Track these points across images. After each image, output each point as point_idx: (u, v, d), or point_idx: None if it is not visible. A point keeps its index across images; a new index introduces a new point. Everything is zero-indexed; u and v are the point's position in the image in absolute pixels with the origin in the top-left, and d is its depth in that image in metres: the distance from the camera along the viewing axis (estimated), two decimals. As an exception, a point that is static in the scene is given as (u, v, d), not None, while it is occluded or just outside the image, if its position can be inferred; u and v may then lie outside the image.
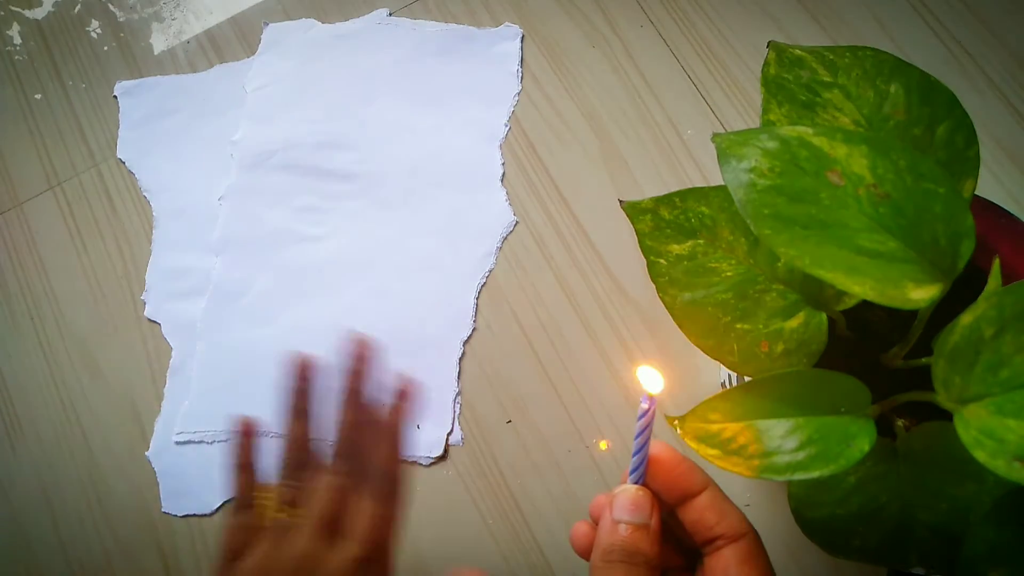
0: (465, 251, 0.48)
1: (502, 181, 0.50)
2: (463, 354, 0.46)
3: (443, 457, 0.44)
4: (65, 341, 0.48)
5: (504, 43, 0.52)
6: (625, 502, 0.24)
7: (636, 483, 0.25)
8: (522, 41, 0.52)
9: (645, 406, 0.25)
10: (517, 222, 0.49)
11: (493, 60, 0.52)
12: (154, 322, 0.48)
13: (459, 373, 0.45)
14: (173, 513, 0.43)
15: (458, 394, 0.45)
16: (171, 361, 0.47)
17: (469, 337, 0.46)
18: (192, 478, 0.45)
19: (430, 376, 0.45)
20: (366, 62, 0.53)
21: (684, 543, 0.26)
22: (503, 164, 0.50)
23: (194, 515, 0.43)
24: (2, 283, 0.50)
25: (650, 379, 0.25)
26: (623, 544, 0.24)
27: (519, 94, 0.52)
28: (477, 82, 0.52)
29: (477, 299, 0.47)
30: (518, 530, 0.43)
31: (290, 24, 0.54)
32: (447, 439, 0.44)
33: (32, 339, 0.48)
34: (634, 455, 0.25)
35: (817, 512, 0.27)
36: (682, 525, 0.25)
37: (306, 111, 0.52)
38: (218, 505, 0.43)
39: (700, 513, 0.24)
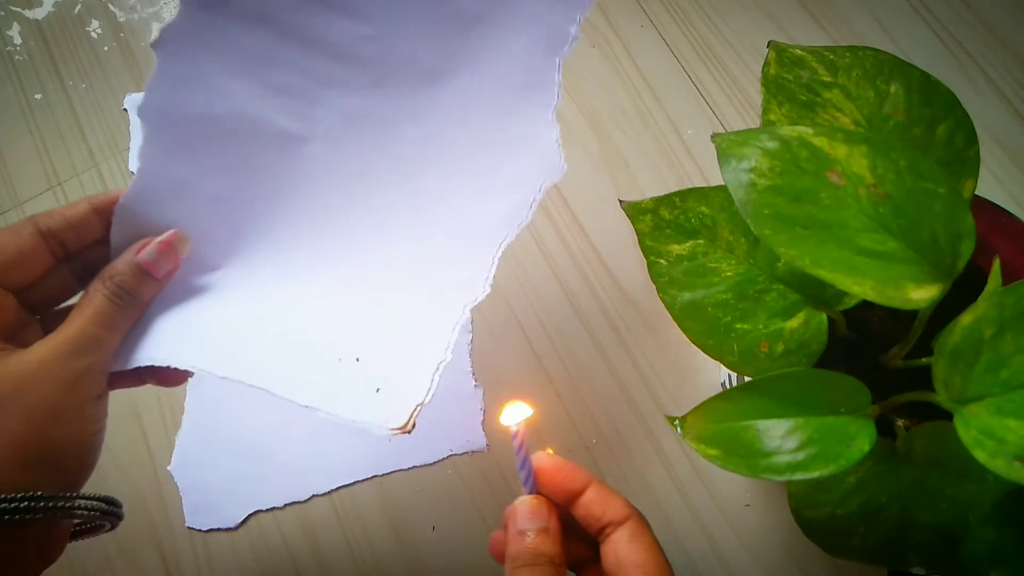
0: (495, 194, 0.33)
1: (555, 114, 0.33)
2: (471, 320, 0.36)
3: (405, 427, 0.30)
4: (65, 341, 0.48)
5: None
6: (524, 512, 0.27)
7: (530, 492, 0.28)
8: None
9: (514, 430, 0.28)
10: (567, 169, 0.33)
11: None
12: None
13: (470, 344, 0.37)
14: (198, 528, 0.43)
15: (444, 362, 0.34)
16: (191, 378, 0.46)
17: (479, 303, 0.32)
18: (215, 492, 0.44)
19: (410, 341, 0.32)
20: None
21: (586, 536, 0.28)
22: (559, 89, 0.33)
23: (219, 529, 0.43)
24: (2, 283, 0.50)
25: (511, 415, 0.29)
26: (528, 550, 0.26)
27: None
28: None
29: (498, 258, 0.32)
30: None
31: None
32: (414, 411, 0.29)
33: (32, 339, 0.48)
34: (520, 471, 0.28)
35: (817, 512, 0.27)
36: (577, 521, 0.28)
37: None
38: (243, 519, 0.43)
39: (588, 508, 0.27)
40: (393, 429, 0.28)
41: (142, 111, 0.31)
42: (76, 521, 0.28)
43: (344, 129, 0.34)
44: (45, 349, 0.26)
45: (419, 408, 0.29)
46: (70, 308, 0.29)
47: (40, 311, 0.30)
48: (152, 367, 0.29)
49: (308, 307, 0.32)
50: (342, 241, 0.34)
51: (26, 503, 0.24)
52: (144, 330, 0.30)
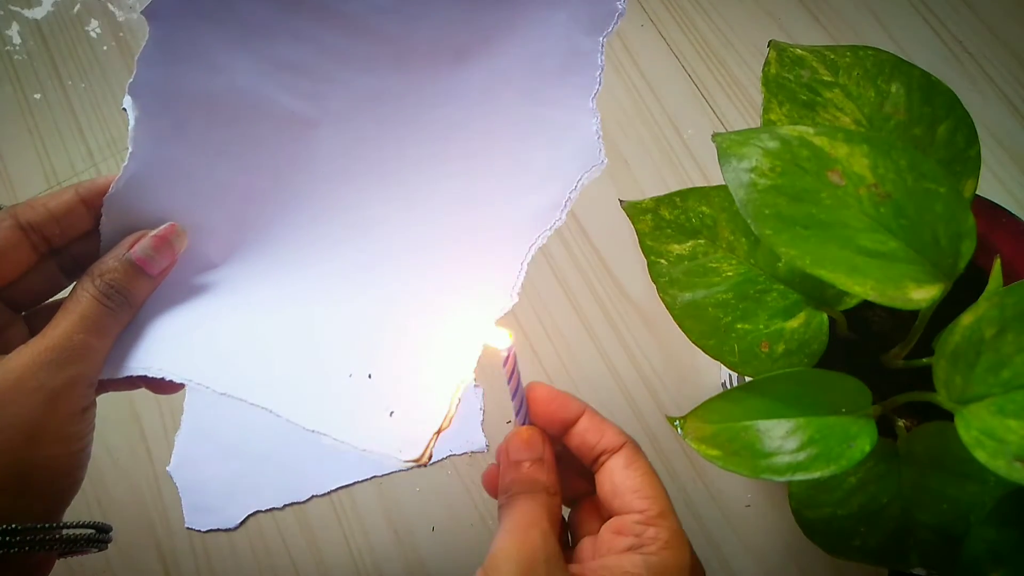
0: (527, 190, 0.29)
1: (595, 101, 0.29)
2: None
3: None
4: (65, 341, 0.48)
5: None
6: (518, 443, 0.27)
7: (523, 423, 0.27)
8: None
9: (504, 354, 0.26)
10: (605, 163, 0.29)
11: None
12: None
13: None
14: (197, 529, 0.43)
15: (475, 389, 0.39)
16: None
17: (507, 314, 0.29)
18: (215, 493, 0.43)
19: (431, 359, 0.28)
20: None
21: (580, 466, 0.28)
22: (601, 73, 0.29)
23: (218, 530, 0.43)
24: (2, 283, 0.50)
25: (498, 338, 0.27)
26: (522, 479, 0.26)
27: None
28: None
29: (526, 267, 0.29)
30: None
31: None
32: (430, 441, 0.25)
33: (32, 339, 0.48)
34: (513, 399, 0.27)
35: (818, 512, 0.27)
36: (571, 452, 0.28)
37: None
38: (242, 519, 0.43)
39: (582, 437, 0.27)
40: (408, 461, 0.25)
41: (133, 88, 0.27)
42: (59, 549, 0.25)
43: (359, 113, 0.29)
44: (24, 359, 0.23)
45: (436, 438, 0.25)
46: (59, 303, 0.27)
47: (24, 308, 0.28)
48: (140, 376, 0.26)
49: (316, 315, 0.29)
50: (354, 241, 0.30)
51: (2, 536, 0.22)
52: (138, 333, 0.27)
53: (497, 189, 0.30)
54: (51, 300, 0.29)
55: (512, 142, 0.30)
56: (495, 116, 0.30)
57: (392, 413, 0.26)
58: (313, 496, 0.43)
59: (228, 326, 0.28)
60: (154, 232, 0.27)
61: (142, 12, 0.27)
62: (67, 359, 0.24)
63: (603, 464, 0.27)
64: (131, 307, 0.27)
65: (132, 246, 0.27)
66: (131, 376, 0.26)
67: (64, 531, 0.24)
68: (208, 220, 0.29)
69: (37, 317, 0.28)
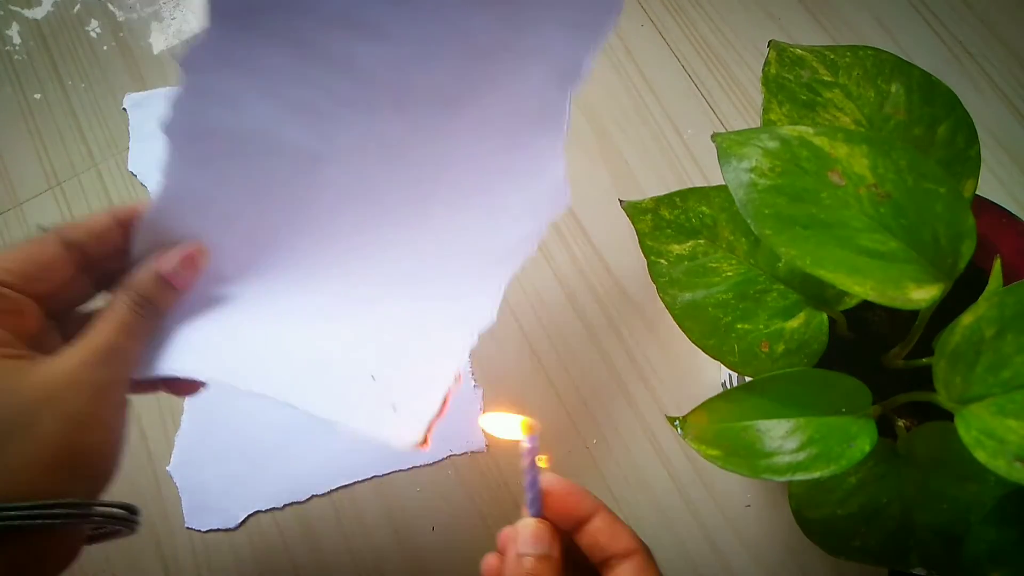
0: (505, 226, 0.34)
1: (585, 115, 0.35)
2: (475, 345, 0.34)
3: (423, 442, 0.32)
4: (65, 341, 0.48)
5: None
6: (527, 536, 0.26)
7: (535, 516, 0.27)
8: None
9: (527, 445, 0.27)
10: (570, 204, 0.34)
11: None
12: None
13: (470, 370, 0.39)
14: (197, 529, 0.43)
15: (465, 384, 0.39)
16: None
17: (488, 330, 0.34)
18: (215, 493, 0.43)
19: (422, 363, 0.33)
20: None
21: (587, 566, 0.27)
22: (568, 121, 0.33)
23: (218, 530, 0.43)
24: (2, 283, 0.50)
25: (523, 431, 0.27)
26: (527, 575, 0.25)
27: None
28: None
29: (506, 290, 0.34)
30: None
31: None
32: (428, 427, 0.31)
33: (32, 339, 0.48)
34: (527, 491, 0.27)
35: (818, 512, 0.27)
36: (580, 549, 0.27)
37: None
38: (242, 519, 0.43)
39: (594, 536, 0.26)
40: (412, 445, 0.31)
41: (168, 126, 0.31)
42: (92, 527, 0.28)
43: (362, 150, 0.33)
44: (74, 358, 0.27)
45: (433, 423, 0.31)
46: (83, 314, 0.31)
47: (58, 315, 0.31)
48: (167, 377, 0.30)
49: (324, 325, 0.33)
50: (357, 261, 0.35)
51: (53, 509, 0.25)
52: (164, 339, 0.31)
53: (481, 222, 0.35)
54: (78, 309, 0.32)
55: (494, 181, 0.34)
56: (480, 157, 0.34)
57: (395, 408, 0.32)
58: (313, 496, 0.43)
59: (247, 332, 0.32)
60: (180, 250, 0.31)
61: (180, 63, 0.30)
62: (109, 359, 0.27)
63: (612, 569, 0.26)
64: (159, 315, 0.31)
65: (160, 262, 0.31)
66: (158, 377, 0.30)
67: (102, 508, 0.27)
68: (229, 241, 0.33)
69: (66, 324, 0.31)
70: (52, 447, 0.25)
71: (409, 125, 0.33)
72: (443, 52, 0.33)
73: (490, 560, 0.28)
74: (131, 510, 0.29)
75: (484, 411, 0.45)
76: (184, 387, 0.32)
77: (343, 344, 0.33)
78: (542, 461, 0.28)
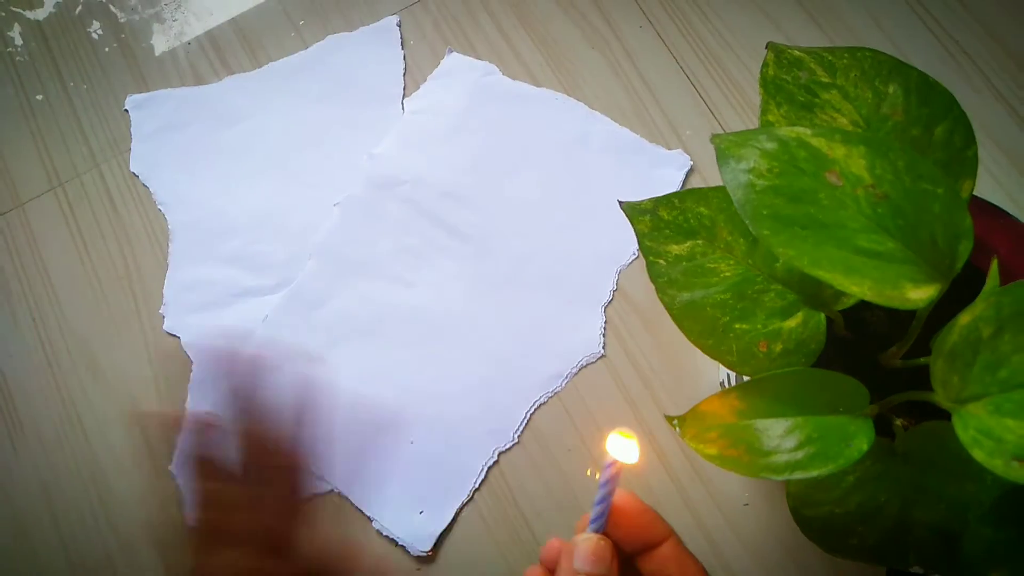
0: (538, 362, 0.45)
1: (604, 309, 0.46)
2: (494, 463, 0.44)
3: (432, 554, 0.42)
4: (67, 341, 0.48)
5: (669, 168, 0.49)
6: (587, 552, 0.24)
7: (597, 531, 0.25)
8: (688, 173, 0.49)
9: (610, 459, 0.25)
10: (603, 355, 0.45)
11: (652, 181, 0.49)
12: (173, 336, 0.48)
13: (481, 482, 0.43)
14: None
15: (468, 501, 0.43)
16: (192, 375, 0.46)
17: (507, 449, 0.44)
18: None
19: (450, 466, 0.43)
20: (528, 130, 0.50)
21: None
22: (613, 292, 0.47)
23: None
24: (4, 284, 0.50)
25: (622, 449, 0.25)
26: None
27: None
28: (627, 196, 0.47)
29: (530, 415, 0.44)
30: (518, 530, 0.43)
31: (472, 61, 0.52)
32: (436, 540, 0.42)
33: (34, 339, 0.48)
34: (596, 504, 0.25)
35: (816, 511, 0.27)
36: (639, 573, 0.25)
37: (452, 155, 0.50)
38: None
39: (661, 563, 0.25)
40: (423, 552, 0.42)
41: (316, 247, 0.48)
42: None
43: (441, 283, 0.47)
44: None
45: (443, 536, 0.42)
46: None
47: None
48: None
49: (389, 424, 0.44)
50: (418, 370, 0.46)
51: None
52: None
53: (521, 352, 0.46)
54: None
55: (542, 325, 0.46)
56: (535, 301, 0.47)
57: (422, 512, 0.42)
58: (315, 496, 0.44)
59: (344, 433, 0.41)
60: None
61: (334, 204, 0.50)
62: None
63: None
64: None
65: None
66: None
67: None
68: (340, 345, 0.47)
69: None
70: None
71: (478, 277, 0.47)
72: (517, 232, 0.48)
73: (534, 573, 0.26)
74: None
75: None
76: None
77: (402, 434, 0.44)
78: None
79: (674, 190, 0.48)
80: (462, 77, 0.52)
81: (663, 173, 0.49)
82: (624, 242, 0.47)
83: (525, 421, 0.44)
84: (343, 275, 0.47)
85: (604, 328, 0.46)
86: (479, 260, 0.47)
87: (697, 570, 0.25)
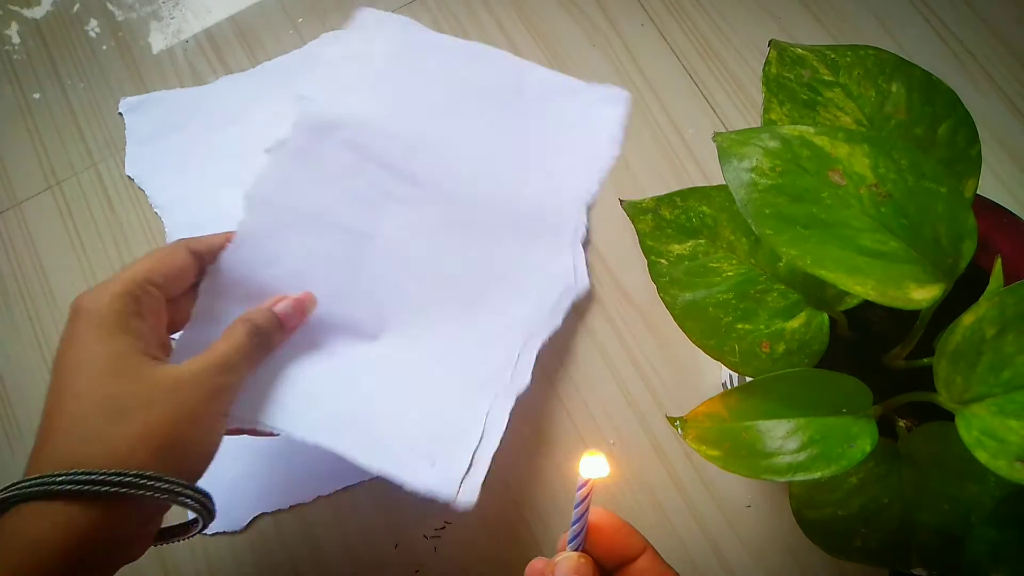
0: (517, 303, 0.43)
1: (585, 245, 0.46)
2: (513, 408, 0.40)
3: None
4: (64, 341, 0.48)
5: (608, 106, 0.48)
6: (567, 571, 0.25)
7: (576, 549, 0.25)
8: (627, 105, 0.49)
9: (583, 479, 0.26)
10: (590, 289, 0.44)
11: (593, 119, 0.48)
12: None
13: (505, 428, 0.40)
14: (203, 532, 0.43)
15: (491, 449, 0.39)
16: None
17: (523, 393, 0.40)
18: (220, 495, 0.43)
19: (446, 422, 0.39)
20: (459, 77, 0.48)
21: None
22: (587, 226, 0.46)
23: (224, 532, 0.43)
24: (0, 284, 0.49)
25: (593, 467, 0.26)
26: None
27: (616, 158, 0.47)
28: (572, 138, 0.48)
29: (524, 357, 0.42)
30: (517, 529, 0.43)
31: (386, 15, 0.49)
32: (459, 485, 0.37)
33: (30, 339, 0.48)
34: (573, 524, 0.26)
35: (818, 513, 0.27)
36: None
37: (387, 101, 0.46)
38: (248, 521, 0.43)
39: None
40: (460, 503, 0.37)
41: (247, 197, 0.39)
42: (167, 525, 0.32)
43: (403, 233, 0.43)
44: (198, 364, 0.31)
45: (463, 481, 0.37)
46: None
47: (174, 330, 0.35)
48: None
49: (372, 378, 0.39)
50: (397, 325, 0.42)
51: (157, 482, 0.27)
52: (260, 387, 0.36)
53: (500, 297, 0.43)
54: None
55: (515, 265, 0.44)
56: (507, 243, 0.44)
57: (434, 464, 0.38)
58: (319, 497, 0.43)
59: (311, 388, 0.37)
60: (294, 296, 0.37)
61: (265, 150, 0.41)
62: (226, 369, 0.31)
63: None
64: (268, 348, 0.34)
65: (277, 303, 0.36)
66: (243, 428, 0.35)
67: (190, 491, 0.29)
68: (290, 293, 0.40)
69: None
70: (163, 430, 0.28)
71: (441, 223, 0.44)
72: (471, 175, 0.45)
73: None
74: (210, 508, 0.31)
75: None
76: (262, 432, 0.35)
77: (390, 396, 0.39)
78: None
79: (617, 127, 0.48)
80: (378, 29, 0.49)
81: (603, 111, 0.48)
82: (582, 179, 0.46)
83: (522, 364, 0.42)
84: (287, 229, 0.40)
85: (587, 263, 0.46)
86: (438, 206, 0.44)
87: None
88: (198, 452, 0.30)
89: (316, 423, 0.36)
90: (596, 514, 0.26)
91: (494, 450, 0.38)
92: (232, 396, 0.32)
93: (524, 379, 0.41)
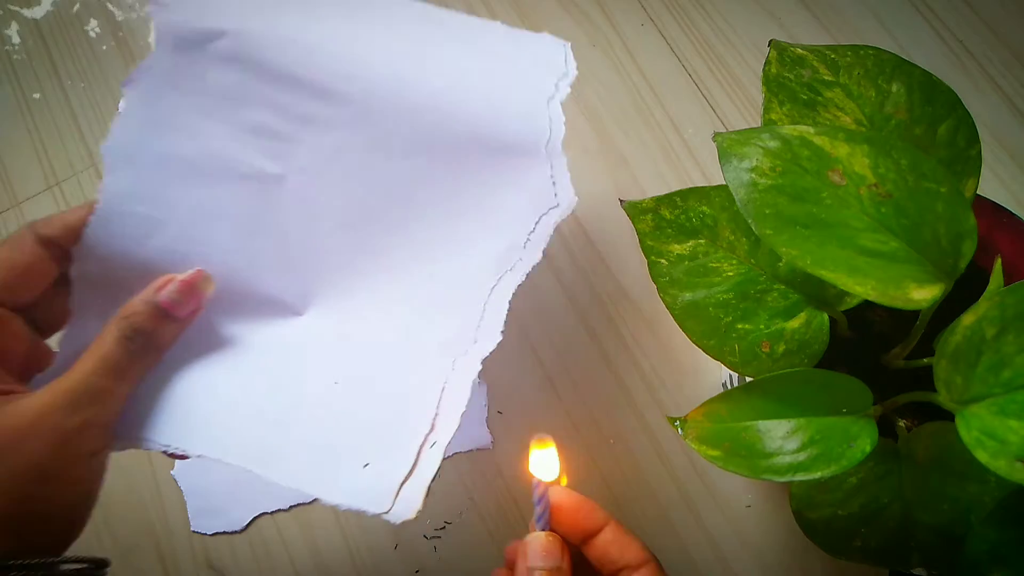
0: (482, 234, 0.32)
1: (562, 146, 0.32)
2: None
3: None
4: (64, 341, 0.48)
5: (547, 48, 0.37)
6: (537, 549, 0.26)
7: (543, 529, 0.27)
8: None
9: (538, 461, 0.27)
10: (572, 202, 0.32)
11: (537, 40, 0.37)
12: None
13: (486, 402, 0.34)
14: (203, 532, 0.43)
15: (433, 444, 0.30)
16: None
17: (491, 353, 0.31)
18: (220, 496, 0.43)
19: (390, 397, 0.30)
20: None
21: None
22: (562, 135, 0.33)
23: (224, 532, 0.43)
24: (1, 283, 0.50)
25: (543, 464, 0.27)
26: None
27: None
28: (522, 38, 0.37)
29: (492, 305, 0.32)
30: (518, 529, 0.43)
31: None
32: (397, 492, 0.27)
33: (31, 339, 0.48)
34: (536, 505, 0.27)
35: (818, 513, 0.27)
36: (589, 562, 0.27)
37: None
38: (248, 521, 0.43)
39: (604, 549, 0.26)
40: (379, 514, 0.27)
41: (105, 149, 0.30)
42: None
43: (324, 167, 0.32)
44: (41, 402, 0.24)
45: (402, 487, 0.27)
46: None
47: (52, 332, 0.29)
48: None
49: (291, 368, 0.31)
50: (321, 292, 0.32)
51: (8, 572, 0.22)
52: (151, 395, 0.28)
53: (457, 235, 0.32)
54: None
55: (470, 190, 0.32)
56: (455, 166, 0.32)
57: (366, 465, 0.28)
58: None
59: (217, 391, 0.29)
60: (181, 277, 0.28)
61: (122, 84, 0.30)
62: (82, 402, 0.24)
63: None
64: (156, 351, 0.27)
65: (160, 290, 0.27)
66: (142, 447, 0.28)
67: (62, 566, 0.24)
68: (182, 271, 0.30)
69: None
70: (4, 501, 0.23)
71: (374, 138, 0.32)
72: (408, 78, 0.32)
73: (499, 574, 0.28)
74: (99, 564, 0.26)
75: (488, 408, 0.45)
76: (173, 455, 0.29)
77: (315, 385, 0.30)
78: (562, 480, 0.28)
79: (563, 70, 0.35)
80: None
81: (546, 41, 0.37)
82: (544, 70, 0.34)
83: (489, 317, 0.31)
84: (163, 186, 0.31)
85: (558, 174, 0.32)
86: (364, 125, 0.32)
87: (638, 548, 0.26)
88: (57, 516, 0.24)
89: (214, 433, 0.28)
90: (557, 494, 0.27)
91: (449, 438, 0.28)
92: (103, 429, 0.25)
93: (493, 336, 0.30)
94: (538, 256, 0.31)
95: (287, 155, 0.32)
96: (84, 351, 0.25)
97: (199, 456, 0.28)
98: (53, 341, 0.30)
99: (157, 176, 0.31)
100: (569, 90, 0.34)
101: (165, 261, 0.30)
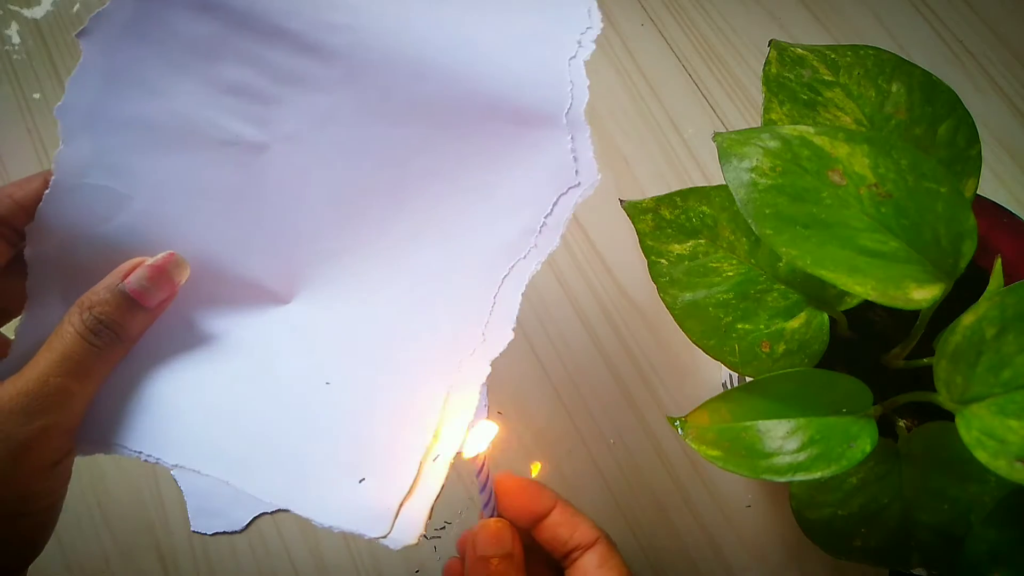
0: (509, 218, 0.27)
1: (585, 116, 0.28)
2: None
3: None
4: (64, 341, 0.48)
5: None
6: (486, 537, 0.26)
7: (491, 515, 0.26)
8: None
9: (475, 449, 0.26)
10: (595, 181, 0.27)
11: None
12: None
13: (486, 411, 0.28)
14: (203, 532, 0.43)
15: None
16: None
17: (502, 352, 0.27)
18: (219, 496, 0.43)
19: (391, 404, 0.27)
20: None
21: (552, 563, 0.27)
22: (586, 98, 0.28)
23: (224, 532, 0.43)
24: (1, 283, 0.50)
25: (474, 441, 0.26)
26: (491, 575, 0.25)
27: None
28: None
29: (504, 293, 0.27)
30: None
31: None
32: (397, 511, 0.24)
33: (31, 339, 0.48)
34: (481, 493, 0.26)
35: (818, 513, 0.27)
36: (541, 546, 0.27)
37: None
38: (248, 521, 0.43)
39: (553, 530, 0.26)
40: (376, 539, 0.24)
41: (59, 112, 0.26)
42: None
43: (311, 135, 0.27)
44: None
45: (400, 509, 0.24)
46: None
47: (8, 319, 0.26)
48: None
49: (279, 367, 0.27)
50: (310, 279, 0.28)
51: None
52: (120, 392, 0.25)
53: (463, 216, 0.28)
54: None
55: (479, 163, 0.28)
56: (460, 135, 0.28)
57: (362, 480, 0.25)
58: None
59: (187, 384, 0.26)
60: (150, 261, 0.25)
61: (76, 35, 0.26)
62: (40, 407, 0.21)
63: (575, 561, 0.26)
64: (123, 344, 0.24)
65: (126, 276, 0.24)
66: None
67: None
68: (152, 254, 0.26)
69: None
70: None
71: (367, 100, 0.27)
72: (409, 33, 0.27)
73: (453, 565, 0.27)
74: None
75: (488, 407, 0.45)
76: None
77: (303, 387, 0.27)
78: (534, 468, 0.28)
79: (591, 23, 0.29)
80: None
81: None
82: (564, 30, 0.29)
83: (501, 311, 0.27)
84: (128, 154, 0.26)
85: (580, 147, 0.27)
86: (358, 86, 0.27)
87: (588, 527, 0.26)
88: (19, 533, 0.22)
89: (190, 440, 0.25)
90: (501, 480, 0.27)
91: (456, 450, 0.25)
92: (65, 435, 0.22)
93: (503, 333, 0.26)
94: (556, 242, 0.27)
95: (270, 120, 0.27)
96: (44, 342, 0.22)
97: (174, 467, 0.25)
98: (9, 329, 0.27)
99: (120, 143, 0.26)
100: (594, 47, 0.29)
101: (132, 242, 0.26)
